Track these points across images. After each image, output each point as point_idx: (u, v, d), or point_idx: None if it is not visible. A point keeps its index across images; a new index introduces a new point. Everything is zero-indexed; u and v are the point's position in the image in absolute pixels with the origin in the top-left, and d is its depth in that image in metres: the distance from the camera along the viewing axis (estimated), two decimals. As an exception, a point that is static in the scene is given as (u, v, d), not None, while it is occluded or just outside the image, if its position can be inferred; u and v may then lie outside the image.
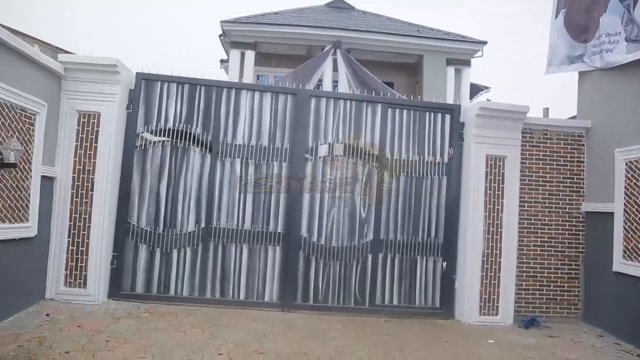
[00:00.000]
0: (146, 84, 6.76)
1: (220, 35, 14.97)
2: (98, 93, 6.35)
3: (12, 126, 5.21)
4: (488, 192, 6.82)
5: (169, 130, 6.77)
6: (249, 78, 13.60)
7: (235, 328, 5.76)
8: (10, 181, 5.24)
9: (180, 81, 6.81)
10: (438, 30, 15.53)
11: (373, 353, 5.23)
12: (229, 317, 6.16)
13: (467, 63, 14.91)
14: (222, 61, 16.98)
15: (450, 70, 14.68)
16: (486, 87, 16.46)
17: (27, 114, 5.50)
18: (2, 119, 5.03)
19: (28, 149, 5.53)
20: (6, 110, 5.09)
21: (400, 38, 14.42)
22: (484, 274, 6.74)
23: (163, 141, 6.77)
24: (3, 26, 5.02)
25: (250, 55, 14.09)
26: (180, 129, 6.77)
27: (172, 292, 6.66)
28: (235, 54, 14.14)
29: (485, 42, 14.77)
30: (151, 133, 6.76)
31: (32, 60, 5.57)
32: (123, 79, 6.47)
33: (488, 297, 6.73)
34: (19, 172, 5.38)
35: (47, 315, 5.63)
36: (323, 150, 7.03)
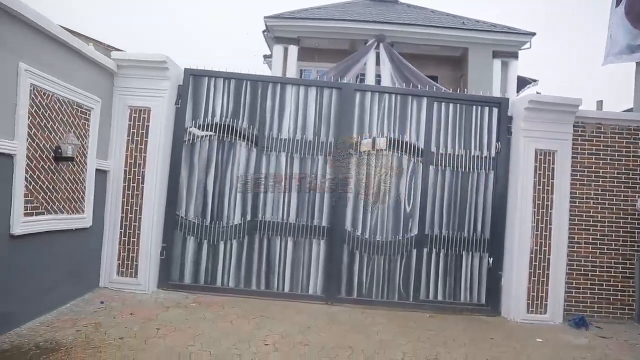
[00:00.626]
0: (194, 80, 6.91)
1: (263, 31, 15.08)
2: (148, 89, 6.54)
3: (70, 122, 5.43)
4: (537, 187, 6.66)
5: (216, 125, 6.90)
6: (292, 73, 13.66)
7: (281, 320, 5.84)
8: (68, 174, 5.47)
9: (227, 77, 6.93)
10: (484, 22, 15.15)
11: (418, 348, 5.20)
12: (274, 309, 6.25)
13: (515, 55, 14.48)
14: (265, 57, 17.13)
15: (497, 63, 14.29)
16: (534, 80, 15.96)
17: (83, 110, 5.73)
18: (61, 115, 5.26)
19: (84, 143, 5.75)
20: (65, 106, 5.32)
21: (444, 31, 14.15)
22: (532, 271, 6.59)
23: (210, 136, 6.90)
24: (61, 27, 5.22)
25: (293, 50, 14.13)
26: (227, 123, 6.90)
27: (219, 284, 6.81)
28: (278, 49, 14.21)
29: (533, 34, 14.31)
30: (199, 128, 6.91)
31: (88, 59, 5.80)
32: (172, 75, 6.64)
33: (536, 295, 6.58)
34: (76, 166, 5.61)
35: (102, 303, 5.87)
36: (368, 144, 7.02)
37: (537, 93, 10.82)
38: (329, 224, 6.87)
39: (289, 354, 4.74)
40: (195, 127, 6.90)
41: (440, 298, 6.90)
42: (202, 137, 6.91)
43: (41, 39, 4.88)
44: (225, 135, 6.90)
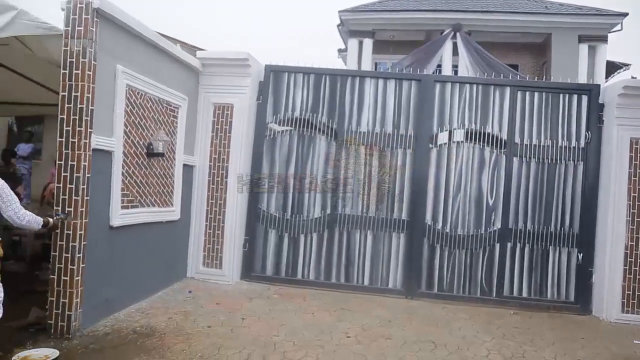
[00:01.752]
0: (274, 76, 7.06)
1: (338, 25, 15.15)
2: (231, 86, 6.74)
3: (160, 119, 5.72)
4: (633, 178, 6.26)
5: (296, 119, 7.01)
6: (367, 66, 13.65)
7: (361, 313, 5.87)
8: (159, 169, 5.77)
9: (306, 71, 7.03)
10: (568, 4, 14.37)
11: (503, 345, 5.05)
12: (354, 302, 6.29)
13: (604, 39, 13.62)
14: (339, 50, 17.21)
15: (583, 48, 13.49)
16: (626, 65, 14.95)
17: (172, 107, 6.01)
18: (153, 113, 5.55)
19: (172, 139, 6.04)
20: (156, 104, 5.61)
21: (525, 17, 13.58)
22: (627, 267, 6.21)
23: (290, 130, 7.03)
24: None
25: (368, 43, 14.11)
26: (306, 117, 7.00)
27: (299, 276, 6.94)
28: (353, 42, 14.23)
29: (625, 14, 13.37)
30: (279, 123, 7.06)
31: (176, 59, 6.07)
32: (253, 71, 6.81)
33: (632, 294, 6.20)
34: (165, 161, 5.90)
35: (190, 292, 6.15)
36: (447, 136, 6.88)
37: (632, 77, 10.14)
38: (409, 217, 6.82)
39: (370, 347, 4.75)
40: (275, 122, 7.06)
41: (524, 294, 6.66)
42: (283, 131, 7.05)
43: (135, 42, 5.16)
44: (305, 129, 7.00)
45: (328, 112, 7.00)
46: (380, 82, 6.99)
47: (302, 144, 7.02)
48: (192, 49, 7.46)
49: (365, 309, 6.03)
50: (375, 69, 14.73)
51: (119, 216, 4.98)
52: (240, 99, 6.76)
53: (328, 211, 6.93)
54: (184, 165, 6.40)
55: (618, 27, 13.61)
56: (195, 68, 6.58)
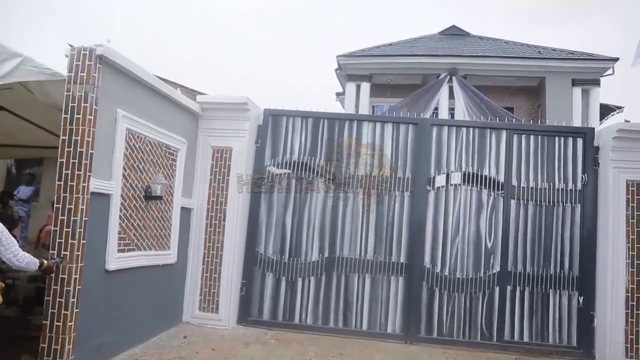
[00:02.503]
0: (273, 119, 7.15)
1: (336, 69, 15.48)
2: (230, 129, 6.82)
3: (158, 162, 5.75)
4: (631, 220, 6.26)
5: (294, 162, 7.06)
6: (364, 109, 13.87)
7: (360, 359, 5.76)
8: (156, 212, 5.76)
9: (304, 115, 7.14)
10: (561, 49, 14.77)
11: (505, 392, 4.96)
12: (352, 347, 6.17)
13: (596, 82, 13.95)
14: (337, 94, 17.51)
15: (577, 91, 13.80)
16: (619, 107, 15.24)
17: (171, 151, 6.06)
18: (151, 156, 5.59)
19: (170, 182, 6.06)
20: (155, 148, 5.65)
21: (519, 61, 13.94)
22: (629, 311, 6.13)
23: (289, 173, 7.07)
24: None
25: (365, 87, 14.39)
26: (304, 161, 7.05)
27: (296, 320, 6.83)
28: (350, 86, 14.51)
29: (616, 59, 13.73)
30: (277, 166, 7.10)
31: (176, 103, 6.15)
32: (252, 115, 6.90)
33: (635, 338, 6.09)
34: (163, 204, 5.90)
35: (185, 337, 6.04)
36: (444, 179, 6.92)
37: (626, 121, 10.29)
38: (407, 260, 6.78)
39: (371, 394, 4.65)
40: (274, 165, 7.09)
41: (526, 339, 6.55)
42: (281, 174, 7.09)
43: (136, 86, 5.25)
44: (303, 172, 7.04)
45: (326, 155, 7.05)
46: (378, 125, 7.08)
47: (300, 187, 7.04)
48: (192, 93, 7.59)
49: (365, 355, 5.93)
50: (373, 112, 14.96)
51: (115, 260, 4.94)
52: (239, 142, 6.82)
53: (326, 254, 6.89)
54: (182, 208, 6.39)
55: (610, 71, 13.94)
56: (195, 112, 6.67)
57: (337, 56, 14.39)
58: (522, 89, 14.94)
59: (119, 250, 5.02)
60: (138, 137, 5.28)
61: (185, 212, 6.55)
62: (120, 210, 5.00)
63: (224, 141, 6.83)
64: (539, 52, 14.59)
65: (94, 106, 4.45)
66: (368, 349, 6.20)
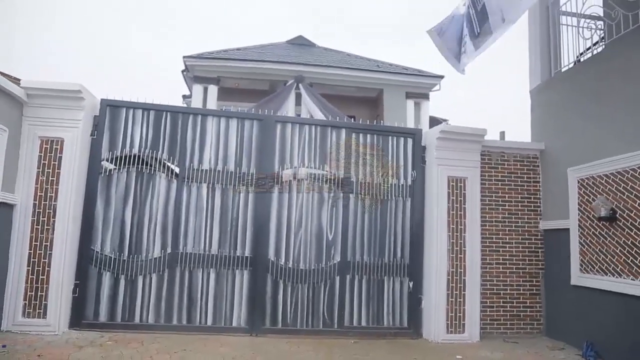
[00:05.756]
0: (111, 111, 6.74)
1: (182, 71, 15.09)
2: (62, 119, 6.29)
3: (-27, 150, 5.11)
4: (451, 212, 7.02)
5: (134, 156, 6.73)
6: (212, 112, 13.66)
7: (204, 353, 5.67)
8: (-31, 206, 5.11)
9: (145, 107, 6.83)
10: (397, 65, 16.09)
11: (344, 372, 5.23)
12: (196, 343, 6.04)
13: (426, 96, 15.46)
14: (184, 96, 17.06)
15: (410, 104, 15.19)
16: (445, 120, 16.99)
17: (-12, 139, 5.41)
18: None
19: (-13, 174, 5.41)
20: (-33, 133, 5.01)
21: (360, 73, 14.87)
22: (450, 292, 6.86)
23: (128, 167, 6.71)
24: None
25: (213, 90, 14.23)
26: (146, 154, 6.76)
27: (137, 320, 6.49)
28: (198, 88, 14.24)
29: (442, 77, 15.37)
30: (116, 159, 6.71)
31: (-8, 86, 5.52)
32: (87, 105, 6.44)
33: (454, 315, 6.84)
34: (-22, 198, 5.25)
35: (4, 346, 5.39)
36: (289, 174, 7.12)
37: (447, 123, 11.49)
38: (252, 253, 6.83)
39: (213, 385, 4.60)
40: (112, 158, 6.69)
41: (364, 323, 6.98)
42: (120, 168, 6.70)
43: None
44: (144, 166, 6.75)
45: (169, 149, 6.84)
46: (223, 120, 7.05)
47: (140, 181, 6.73)
48: (15, 81, 6.83)
49: (209, 349, 5.84)
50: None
51: None
52: (72, 133, 6.32)
53: (169, 250, 6.65)
54: (1, 203, 5.74)
55: (437, 87, 15.53)
56: (18, 97, 6.04)
57: (184, 57, 14.02)
58: (363, 100, 15.92)
59: None
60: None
61: (6, 208, 5.90)
62: None
63: (54, 131, 6.27)
64: (378, 65, 15.73)
65: None
66: (213, 343, 6.12)
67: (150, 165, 6.79)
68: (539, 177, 7.58)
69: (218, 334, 6.51)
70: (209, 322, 6.65)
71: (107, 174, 6.67)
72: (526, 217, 7.45)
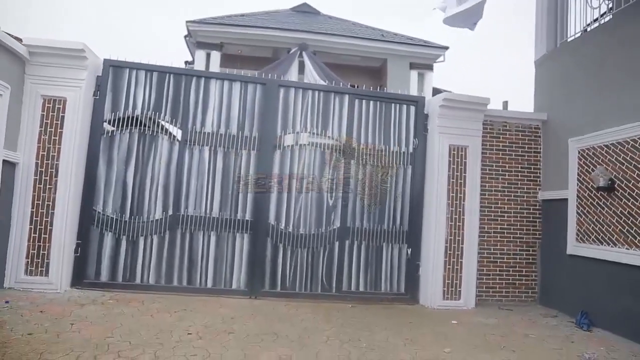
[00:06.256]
0: (114, 71, 6.70)
1: (185, 36, 14.88)
2: (64, 78, 6.27)
3: (-25, 105, 5.10)
4: (451, 180, 7.05)
5: (137, 117, 6.72)
6: (214, 78, 13.56)
7: (204, 312, 5.76)
8: (-28, 162, 5.12)
9: (149, 69, 6.79)
10: (402, 35, 15.90)
11: (341, 332, 5.33)
12: (196, 304, 6.14)
13: (430, 67, 15.32)
14: (186, 63, 16.84)
15: (414, 74, 15.05)
16: (448, 91, 16.87)
17: (-10, 95, 5.39)
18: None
19: (-10, 130, 5.41)
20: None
21: (364, 42, 14.69)
22: (447, 259, 6.95)
23: (131, 128, 6.71)
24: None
25: (216, 56, 14.08)
26: (148, 116, 6.75)
27: (138, 280, 6.59)
28: (200, 54, 14.09)
29: (447, 47, 15.21)
30: (118, 120, 6.70)
31: (-5, 42, 5.48)
32: (90, 64, 6.41)
33: (451, 282, 6.94)
34: (-19, 154, 5.26)
35: (7, 302, 5.48)
36: (291, 139, 7.13)
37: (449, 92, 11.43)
38: (253, 217, 6.88)
39: (212, 341, 4.70)
40: (115, 120, 6.68)
41: (362, 289, 7.09)
42: (122, 129, 6.70)
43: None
44: (147, 127, 6.74)
45: (172, 111, 6.82)
46: (226, 83, 7.02)
47: (143, 143, 6.73)
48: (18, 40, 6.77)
49: (209, 309, 5.93)
50: (223, 81, 14.68)
51: None
52: (74, 93, 6.30)
53: (170, 212, 6.71)
54: (4, 161, 5.74)
55: (442, 58, 15.38)
56: (21, 55, 6.00)
57: (187, 22, 13.81)
58: (367, 69, 15.77)
59: None
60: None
61: (9, 166, 5.90)
62: None
63: (56, 90, 6.25)
64: (382, 35, 15.54)
65: None
66: (212, 303, 6.22)
67: (153, 127, 6.78)
68: (540, 148, 7.60)
69: (218, 295, 6.61)
70: (209, 284, 6.74)
71: (110, 135, 6.66)
72: (525, 187, 7.50)
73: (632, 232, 5.67)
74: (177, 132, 6.85)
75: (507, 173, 7.46)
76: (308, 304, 6.62)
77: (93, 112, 6.58)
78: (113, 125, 6.73)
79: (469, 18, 7.25)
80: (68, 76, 6.29)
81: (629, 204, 5.76)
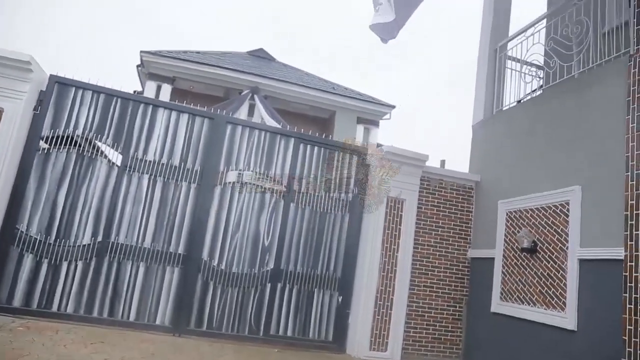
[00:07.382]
0: (59, 88, 6.53)
1: (138, 66, 14.83)
2: (5, 88, 6.04)
3: None
4: (386, 231, 7.21)
5: (77, 137, 6.55)
6: (162, 111, 13.51)
7: (123, 347, 5.49)
8: None
9: (96, 90, 6.67)
10: (351, 89, 16.55)
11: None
12: (116, 337, 5.84)
13: (376, 124, 15.98)
14: (135, 92, 16.69)
15: (360, 129, 15.65)
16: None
17: None
18: None
19: None
20: None
21: (315, 92, 15.18)
22: (377, 310, 6.99)
23: (69, 148, 6.51)
24: None
25: (166, 89, 14.10)
26: (89, 137, 6.58)
27: (55, 308, 6.19)
28: (151, 85, 14.06)
29: (393, 106, 15.94)
30: (57, 138, 6.48)
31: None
32: (35, 78, 6.22)
33: (379, 333, 6.96)
34: None
35: None
36: (233, 176, 7.13)
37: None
38: (185, 251, 6.73)
39: (128, 376, 4.48)
40: (54, 137, 6.46)
41: (289, 333, 6.98)
42: (60, 148, 6.48)
43: None
44: (86, 149, 6.57)
45: (114, 135, 6.69)
46: (174, 114, 6.98)
47: (80, 164, 6.53)
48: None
49: (128, 343, 5.66)
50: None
51: None
52: (13, 104, 6.07)
53: (99, 238, 6.45)
54: None
55: (388, 116, 16.06)
56: (-42, 62, 5.78)
57: (141, 51, 13.82)
58: (315, 119, 16.20)
59: None
60: None
61: None
62: None
63: (-6, 100, 6.04)
64: (333, 87, 16.16)
65: None
66: (133, 338, 5.92)
67: (93, 149, 6.61)
68: (472, 207, 7.95)
69: (140, 330, 6.31)
70: (132, 318, 6.43)
71: (46, 151, 6.43)
72: (456, 244, 7.76)
73: (550, 293, 5.96)
74: (117, 157, 6.70)
75: (440, 229, 7.72)
76: (232, 345, 6.44)
77: (31, 126, 6.33)
78: (51, 144, 6.50)
79: (387, 32, 7.78)
80: (8, 87, 6.07)
81: (549, 265, 6.08)
